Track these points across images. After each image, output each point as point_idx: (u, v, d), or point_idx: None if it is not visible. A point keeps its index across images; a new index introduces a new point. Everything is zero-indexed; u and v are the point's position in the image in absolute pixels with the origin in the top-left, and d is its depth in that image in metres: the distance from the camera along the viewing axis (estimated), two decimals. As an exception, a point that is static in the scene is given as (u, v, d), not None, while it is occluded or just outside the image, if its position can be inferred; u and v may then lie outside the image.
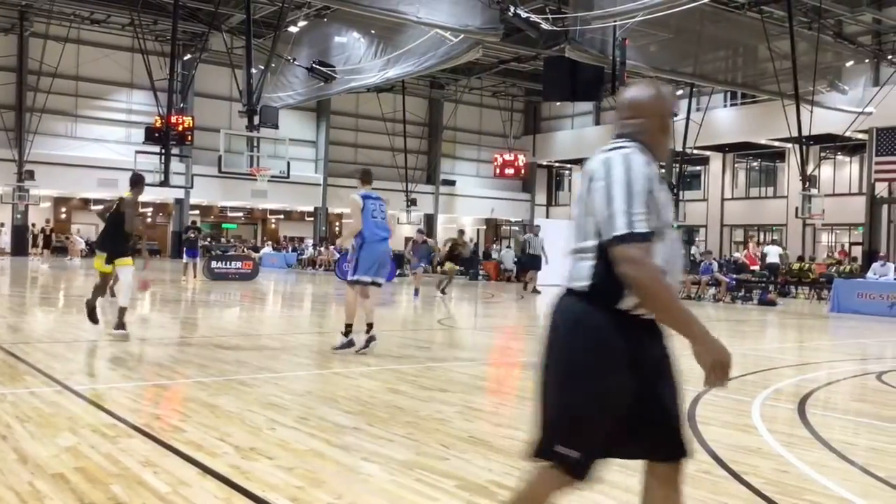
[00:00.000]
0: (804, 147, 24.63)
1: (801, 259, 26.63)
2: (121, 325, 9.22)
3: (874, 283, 18.58)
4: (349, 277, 8.85)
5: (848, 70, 29.34)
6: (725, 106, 36.26)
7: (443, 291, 20.28)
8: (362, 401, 6.20)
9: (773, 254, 25.79)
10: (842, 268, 24.07)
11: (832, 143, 32.49)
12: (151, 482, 3.95)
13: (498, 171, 43.69)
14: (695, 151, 36.50)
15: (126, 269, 9.39)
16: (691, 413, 6.08)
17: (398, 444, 4.85)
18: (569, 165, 46.11)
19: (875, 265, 20.24)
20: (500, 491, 3.98)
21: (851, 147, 32.59)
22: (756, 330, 14.33)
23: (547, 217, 44.37)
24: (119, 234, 9.19)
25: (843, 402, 7.17)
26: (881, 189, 30.37)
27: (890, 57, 29.45)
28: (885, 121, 27.84)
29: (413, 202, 41.39)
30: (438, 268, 27.98)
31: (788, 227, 33.72)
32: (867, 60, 29.96)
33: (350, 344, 8.68)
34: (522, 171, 43.91)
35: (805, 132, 23.73)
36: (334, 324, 13.48)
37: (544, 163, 46.64)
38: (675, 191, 35.03)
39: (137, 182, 9.37)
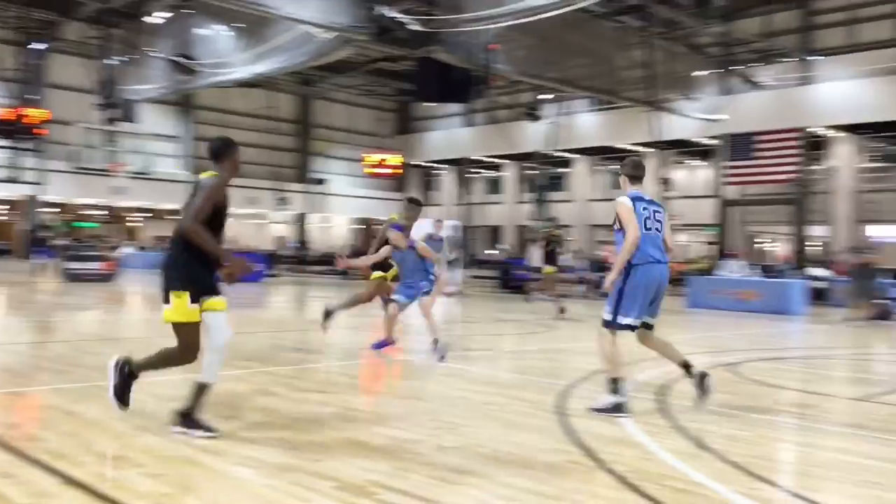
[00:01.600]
0: (661, 151, 25.96)
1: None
2: None
3: (726, 280, 19.80)
4: (611, 319, 6.17)
5: (699, 79, 31.13)
6: (588, 111, 37.67)
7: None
8: (235, 405, 6.04)
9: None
10: (697, 266, 25.53)
11: (686, 148, 34.40)
12: (10, 494, 3.72)
13: (370, 170, 43.61)
14: (560, 154, 37.76)
15: None
16: (562, 406, 6.29)
17: (273, 448, 4.77)
18: (442, 166, 46.58)
19: (726, 263, 21.57)
20: (380, 491, 3.98)
21: (704, 152, 34.57)
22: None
23: (422, 217, 44.59)
24: None
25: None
26: (731, 191, 32.37)
27: (737, 67, 31.44)
28: (734, 127, 29.71)
29: (283, 200, 40.71)
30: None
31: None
32: (716, 70, 31.88)
33: (619, 408, 6.04)
34: (397, 171, 44.02)
35: (661, 137, 25.01)
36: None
37: (417, 163, 46.93)
38: (542, 192, 36.19)
39: None
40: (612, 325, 6.14)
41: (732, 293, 18.70)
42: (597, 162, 39.60)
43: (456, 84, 23.49)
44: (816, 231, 31.57)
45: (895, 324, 16.57)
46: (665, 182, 32.50)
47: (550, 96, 35.56)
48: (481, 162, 43.51)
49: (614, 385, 6.06)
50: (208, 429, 4.91)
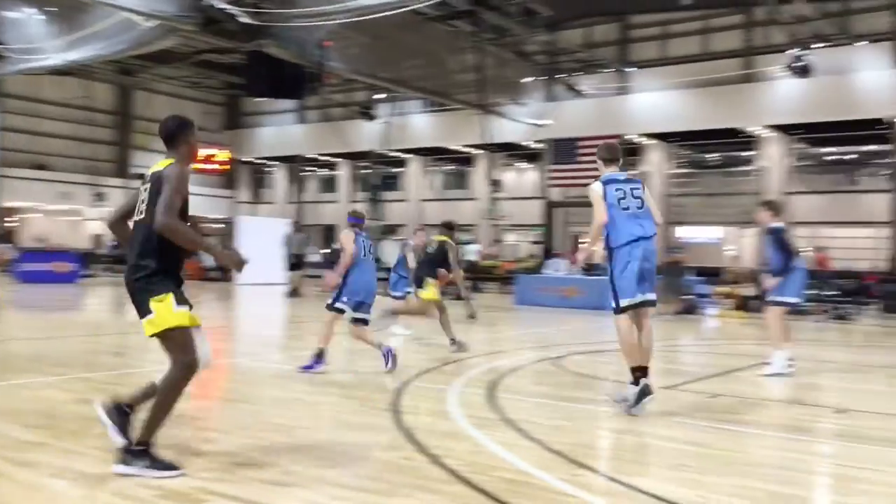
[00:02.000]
0: (491, 154, 26.72)
1: (490, 257, 28.88)
2: None
3: (551, 278, 20.69)
4: (615, 307, 6.31)
5: (526, 85, 32.36)
6: (421, 112, 38.17)
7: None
8: (48, 414, 5.65)
9: (470, 252, 27.83)
10: (524, 264, 26.51)
11: (515, 151, 35.62)
12: None
13: (198, 165, 41.95)
14: (394, 153, 37.98)
15: None
16: (396, 403, 6.35)
17: (91, 458, 4.50)
18: (273, 163, 45.57)
19: (551, 262, 22.55)
20: (208, 497, 3.87)
21: (531, 155, 35.94)
22: (454, 324, 15.24)
23: (253, 215, 43.47)
24: None
25: (526, 386, 7.92)
26: (556, 193, 33.85)
27: (561, 75, 32.95)
28: (559, 133, 31.08)
29: (101, 196, 38.39)
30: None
31: (479, 227, 36.32)
32: (542, 77, 33.24)
33: (645, 393, 6.11)
34: (225, 168, 42.61)
35: (491, 140, 25.73)
36: (15, 332, 12.09)
37: (247, 159, 45.64)
38: (376, 191, 36.29)
39: None
40: (618, 311, 6.27)
41: (557, 290, 19.57)
42: (429, 162, 40.19)
43: (288, 80, 23.05)
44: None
45: (700, 317, 17.97)
46: (495, 183, 33.55)
47: (384, 96, 35.70)
48: (315, 160, 42.99)
49: (636, 374, 6.13)
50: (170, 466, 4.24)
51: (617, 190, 6.21)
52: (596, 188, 6.25)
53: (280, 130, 43.79)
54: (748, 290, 18.24)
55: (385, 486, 4.17)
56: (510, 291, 21.65)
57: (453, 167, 40.40)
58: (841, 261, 24.55)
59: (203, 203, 45.43)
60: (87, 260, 29.76)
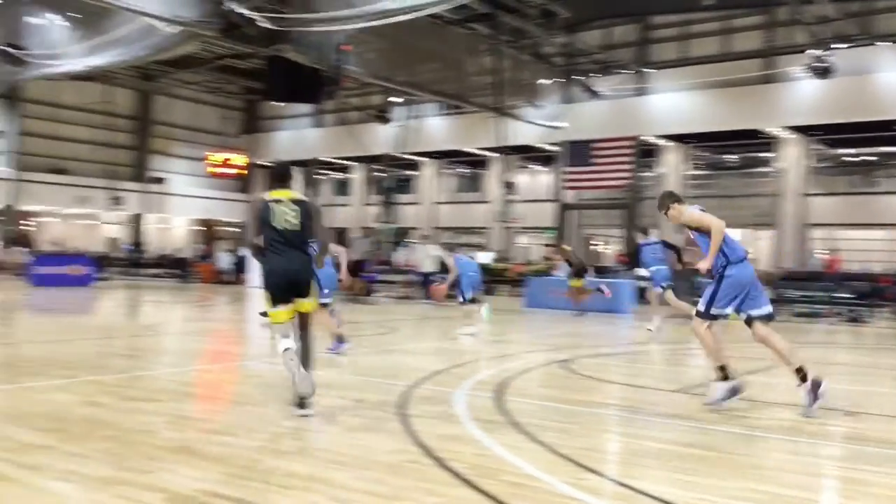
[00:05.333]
0: (505, 156, 26.68)
1: (501, 260, 28.85)
2: None
3: (562, 281, 20.57)
4: (704, 310, 6.60)
5: (543, 87, 32.29)
6: (437, 115, 38.19)
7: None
8: (56, 416, 5.69)
9: (484, 257, 27.94)
10: (534, 267, 26.44)
11: (529, 154, 35.55)
12: None
13: (213, 170, 42.20)
14: (408, 157, 38.04)
15: None
16: (402, 407, 6.35)
17: (97, 461, 4.53)
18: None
19: (563, 264, 22.42)
20: (213, 500, 3.87)
21: (545, 157, 35.87)
22: (459, 325, 15.24)
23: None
24: None
25: (534, 389, 7.89)
26: (569, 196, 33.75)
27: (578, 77, 32.85)
28: (574, 135, 30.99)
29: (118, 200, 38.69)
30: None
31: (492, 230, 36.28)
32: (559, 79, 33.17)
33: (735, 391, 6.65)
34: (241, 172, 42.82)
35: (506, 143, 25.67)
36: (27, 335, 12.20)
37: (264, 163, 45.86)
38: (390, 194, 36.35)
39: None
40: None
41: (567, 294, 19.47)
42: (444, 165, 40.23)
43: (305, 84, 23.18)
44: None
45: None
46: (508, 186, 33.51)
47: (400, 99, 35.76)
48: (330, 163, 43.15)
49: (723, 373, 6.63)
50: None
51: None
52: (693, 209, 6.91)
53: (296, 134, 44.00)
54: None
55: (390, 489, 4.16)
56: (520, 294, 21.59)
57: (467, 170, 40.41)
58: (857, 263, 24.32)
59: (219, 207, 45.75)
60: (102, 263, 30.01)
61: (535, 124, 30.15)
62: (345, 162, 42.35)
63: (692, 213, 6.82)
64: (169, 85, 40.96)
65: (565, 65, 33.21)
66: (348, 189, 43.49)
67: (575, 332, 14.38)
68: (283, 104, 40.09)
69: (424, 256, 20.71)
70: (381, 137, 37.14)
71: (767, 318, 6.50)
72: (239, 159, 42.43)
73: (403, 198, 39.71)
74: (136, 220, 42.74)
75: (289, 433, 5.38)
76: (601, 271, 24.65)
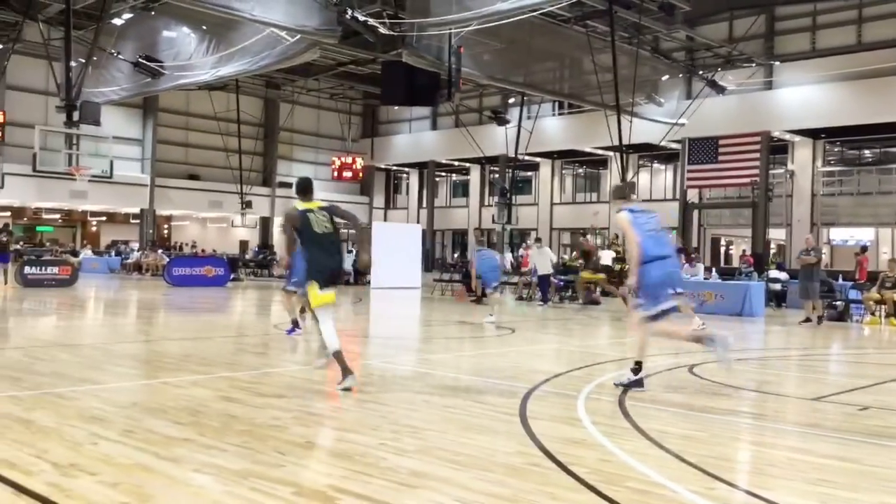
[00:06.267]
0: (624, 155, 26.20)
1: (621, 260, 28.19)
2: None
3: (686, 283, 19.99)
4: (642, 313, 7.26)
5: (664, 83, 31.47)
6: (554, 115, 37.89)
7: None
8: (193, 410, 5.98)
9: (606, 257, 27.30)
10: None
11: (649, 152, 34.75)
12: (-44, 507, 3.65)
13: (336, 173, 43.44)
14: (526, 158, 37.92)
15: None
16: (523, 409, 6.33)
17: (231, 454, 4.73)
18: (406, 169, 46.55)
19: (686, 265, 21.78)
20: (338, 495, 3.97)
21: (666, 156, 34.97)
22: (581, 328, 15.06)
23: (385, 220, 44.59)
24: None
25: (658, 394, 7.67)
26: (692, 195, 32.77)
27: (701, 72, 31.86)
28: (697, 131, 30.09)
29: (248, 205, 40.39)
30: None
31: (611, 230, 35.69)
32: (681, 75, 32.27)
33: (639, 383, 7.36)
34: (360, 174, 43.90)
35: (625, 141, 25.21)
36: (166, 332, 12.92)
37: (382, 166, 46.85)
38: (509, 195, 36.33)
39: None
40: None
41: (691, 295, 18.89)
42: (561, 165, 39.89)
43: (422, 87, 23.50)
44: (776, 234, 32.07)
45: (849, 325, 16.89)
46: (628, 185, 32.81)
47: (516, 100, 35.71)
48: (447, 165, 43.58)
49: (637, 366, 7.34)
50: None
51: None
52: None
53: (414, 137, 44.65)
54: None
55: (510, 491, 4.15)
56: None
57: (585, 170, 39.88)
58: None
59: (340, 209, 46.98)
60: (234, 265, 31.35)
61: (655, 121, 29.44)
62: (462, 164, 42.65)
63: (621, 217, 7.32)
64: (292, 92, 42.50)
65: (687, 60, 32.29)
66: (466, 191, 43.77)
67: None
68: (400, 108, 40.86)
69: (541, 258, 20.59)
70: (498, 138, 37.21)
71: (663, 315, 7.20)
72: (359, 163, 43.50)
73: (521, 199, 39.61)
74: (264, 223, 44.51)
75: (410, 432, 5.46)
76: (726, 273, 23.78)
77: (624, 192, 7.89)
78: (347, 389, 6.87)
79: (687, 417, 6.32)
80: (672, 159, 34.76)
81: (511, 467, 4.65)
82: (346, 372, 6.95)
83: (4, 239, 21.40)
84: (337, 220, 7.23)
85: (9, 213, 38.39)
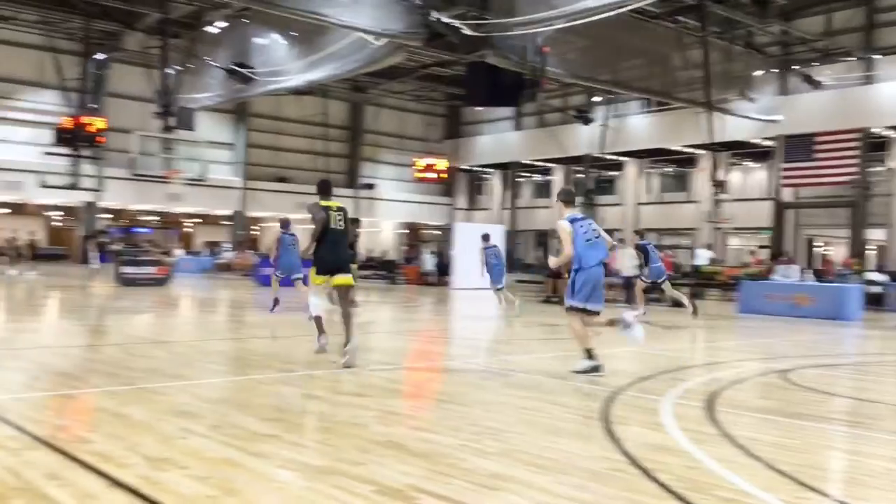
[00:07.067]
0: (715, 153, 25.50)
1: (711, 262, 27.54)
2: None
3: (779, 285, 19.33)
4: (567, 303, 8.08)
5: (757, 79, 30.48)
6: (640, 113, 37.20)
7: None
8: (278, 407, 6.11)
9: (702, 257, 26.75)
10: (749, 270, 24.99)
11: (741, 150, 33.72)
12: (55, 495, 3.81)
13: (419, 175, 43.77)
14: (611, 157, 37.35)
15: None
16: (606, 413, 6.22)
17: (314, 451, 4.80)
18: (489, 170, 46.52)
19: (780, 267, 21.06)
20: (418, 495, 3.98)
21: (760, 153, 33.86)
22: (667, 331, 14.72)
23: (468, 221, 44.66)
24: None
25: (748, 400, 7.43)
26: (787, 194, 31.63)
27: (797, 67, 30.73)
28: (792, 128, 29.04)
29: (333, 206, 41.04)
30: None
31: (700, 231, 34.81)
32: (775, 70, 31.20)
33: (596, 368, 7.99)
34: (443, 176, 44.08)
35: (716, 139, 24.55)
36: (251, 330, 13.27)
37: (465, 167, 46.94)
38: (592, 196, 35.90)
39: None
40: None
41: (786, 298, 18.25)
42: (648, 164, 39.12)
43: (506, 88, 23.41)
44: (875, 234, 30.63)
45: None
46: (719, 184, 31.89)
47: (602, 98, 35.23)
48: (530, 165, 43.32)
49: (589, 354, 8.00)
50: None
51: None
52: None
53: (497, 138, 44.55)
54: None
55: (593, 496, 4.07)
56: (733, 299, 20.47)
57: (673, 169, 38.99)
58: None
59: (423, 210, 47.38)
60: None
61: (748, 118, 28.56)
62: (545, 164, 42.34)
63: (562, 227, 7.88)
64: (377, 95, 43.06)
65: (781, 54, 31.22)
66: (548, 191, 43.44)
67: (795, 340, 13.44)
68: (483, 108, 40.83)
69: (626, 259, 20.22)
70: (583, 138, 36.78)
71: (596, 313, 7.97)
72: (442, 164, 43.74)
73: (605, 199, 39.05)
74: (349, 224, 45.22)
75: (490, 433, 5.43)
76: (821, 274, 22.89)
77: (570, 196, 8.31)
78: (323, 351, 8.43)
79: (778, 424, 6.09)
80: (765, 157, 33.64)
81: (593, 472, 4.57)
82: (321, 331, 8.55)
83: (104, 240, 22.36)
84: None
85: (109, 216, 40.18)
